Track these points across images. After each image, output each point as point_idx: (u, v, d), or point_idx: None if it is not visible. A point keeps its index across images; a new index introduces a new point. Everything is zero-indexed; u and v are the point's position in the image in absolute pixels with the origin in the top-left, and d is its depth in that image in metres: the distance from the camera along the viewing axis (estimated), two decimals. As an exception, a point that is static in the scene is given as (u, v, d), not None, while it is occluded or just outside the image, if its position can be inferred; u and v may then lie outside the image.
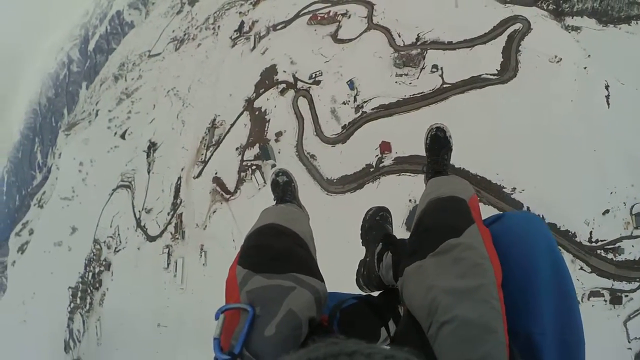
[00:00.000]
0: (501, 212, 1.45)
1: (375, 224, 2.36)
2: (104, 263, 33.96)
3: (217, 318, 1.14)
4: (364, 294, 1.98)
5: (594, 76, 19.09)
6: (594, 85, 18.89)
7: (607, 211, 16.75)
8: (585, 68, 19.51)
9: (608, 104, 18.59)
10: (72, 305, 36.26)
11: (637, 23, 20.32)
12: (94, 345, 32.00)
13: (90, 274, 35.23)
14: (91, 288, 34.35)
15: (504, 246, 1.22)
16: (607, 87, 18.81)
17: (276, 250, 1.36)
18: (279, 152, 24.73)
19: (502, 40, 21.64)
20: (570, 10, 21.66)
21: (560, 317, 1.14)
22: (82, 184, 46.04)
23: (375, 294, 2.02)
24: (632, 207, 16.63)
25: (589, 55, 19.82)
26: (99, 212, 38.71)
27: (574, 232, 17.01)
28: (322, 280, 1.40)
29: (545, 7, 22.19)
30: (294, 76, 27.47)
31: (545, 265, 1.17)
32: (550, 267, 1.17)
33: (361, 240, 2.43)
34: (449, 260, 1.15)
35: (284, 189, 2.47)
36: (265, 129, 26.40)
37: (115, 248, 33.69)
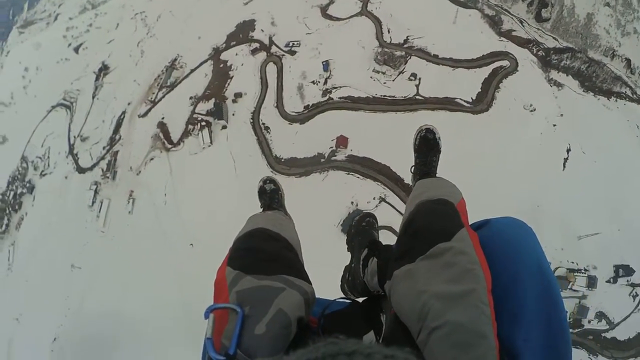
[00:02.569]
0: (487, 218, 1.42)
1: (362, 230, 2.36)
2: (27, 185, 31.28)
3: (206, 317, 1.14)
4: (348, 300, 1.84)
5: (559, 135, 19.50)
6: (556, 144, 19.30)
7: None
8: (554, 125, 19.89)
9: (564, 166, 19.11)
10: (-14, 223, 33.55)
11: (615, 100, 20.73)
12: (3, 269, 30.05)
13: (12, 193, 32.43)
14: (10, 209, 31.73)
15: (490, 251, 1.22)
16: (568, 150, 19.36)
17: (266, 253, 1.38)
18: (233, 114, 23.25)
19: (486, 71, 21.36)
20: (558, 63, 21.72)
21: (545, 324, 1.13)
22: (22, 92, 41.54)
23: (360, 300, 1.96)
24: (556, 269, 17.50)
25: (562, 115, 20.16)
26: (33, 127, 35.28)
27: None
28: (310, 283, 1.44)
29: (534, 52, 22.03)
30: (270, 39, 25.52)
31: (531, 271, 1.16)
32: (535, 273, 1.16)
33: (347, 246, 2.42)
34: (439, 265, 1.15)
35: (271, 197, 2.49)
36: (226, 85, 24.60)
37: (42, 171, 31.02)
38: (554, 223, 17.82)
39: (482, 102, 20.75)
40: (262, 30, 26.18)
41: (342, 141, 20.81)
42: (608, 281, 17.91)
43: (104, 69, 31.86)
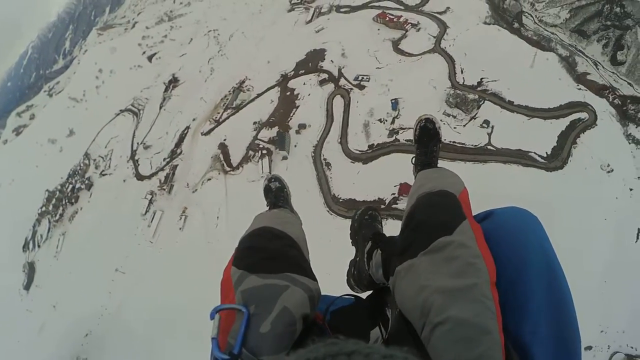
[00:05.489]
0: (491, 209, 1.35)
1: (365, 223, 2.34)
2: (86, 181, 32.80)
3: (212, 318, 1.16)
4: (353, 296, 1.74)
5: (635, 202, 17.18)
6: (632, 211, 16.94)
7: (589, 347, 15.32)
8: (631, 190, 17.60)
9: (638, 237, 16.66)
10: (43, 208, 35.45)
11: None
12: (50, 257, 31.36)
13: (71, 186, 34.17)
14: (66, 200, 33.35)
15: (495, 243, 1.20)
16: (645, 220, 16.88)
17: (270, 251, 1.40)
18: (295, 146, 22.86)
19: (563, 123, 19.52)
20: (635, 115, 19.59)
21: (553, 315, 1.10)
22: (94, 91, 44.59)
23: (365, 294, 1.97)
24: (613, 354, 15.34)
25: (639, 178, 17.76)
26: (100, 127, 37.30)
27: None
28: (315, 280, 1.44)
29: (610, 99, 20.07)
30: (340, 70, 25.21)
31: (537, 261, 1.14)
32: (542, 263, 1.14)
33: (351, 241, 2.41)
34: (441, 259, 1.14)
35: (277, 195, 2.49)
36: (291, 114, 24.41)
37: (102, 171, 32.46)
38: (620, 303, 15.48)
39: (558, 158, 18.87)
40: (332, 61, 25.99)
41: (405, 189, 19.57)
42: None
43: (173, 81, 33.22)
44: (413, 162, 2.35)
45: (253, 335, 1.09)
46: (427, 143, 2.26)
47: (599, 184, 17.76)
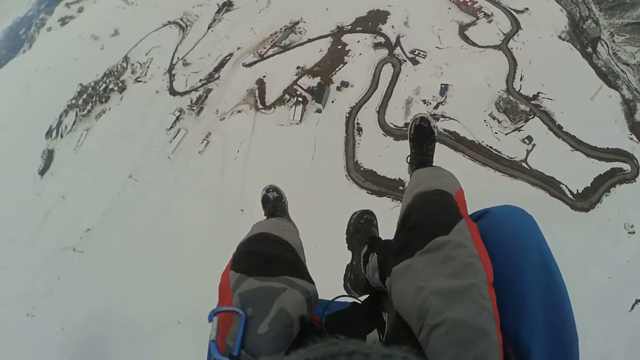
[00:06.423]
0: (486, 208, 1.35)
1: (360, 227, 2.37)
2: (119, 84, 32.95)
3: (210, 320, 1.17)
4: (349, 300, 1.78)
5: None
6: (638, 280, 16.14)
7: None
8: None
9: (632, 308, 15.96)
10: (73, 101, 36.00)
11: None
12: (70, 149, 32.24)
13: (104, 85, 34.39)
14: (97, 98, 33.76)
15: (491, 242, 1.18)
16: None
17: (268, 255, 1.41)
18: (332, 102, 22.27)
19: (603, 167, 18.45)
20: None
21: (550, 314, 1.10)
22: (146, -5, 43.61)
23: (362, 298, 1.90)
24: None
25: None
26: (145, 33, 36.87)
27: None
28: (313, 283, 1.46)
29: None
30: (398, 39, 23.94)
31: (533, 261, 1.13)
32: (538, 262, 1.13)
33: (347, 245, 2.41)
34: (438, 259, 1.13)
35: (275, 205, 2.55)
36: (336, 69, 23.59)
37: (138, 77, 32.44)
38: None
39: (586, 200, 17.88)
40: (393, 27, 24.67)
41: None
42: None
43: (227, 5, 32.15)
44: (408, 161, 2.36)
45: (251, 337, 1.11)
46: (422, 142, 2.27)
47: (616, 241, 16.90)
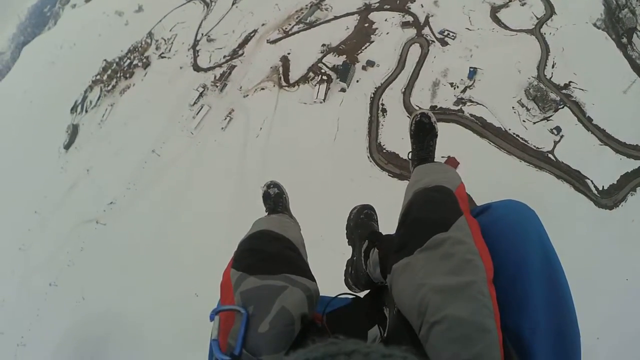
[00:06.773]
0: (488, 203, 1.33)
1: (360, 222, 2.34)
2: (144, 60, 33.26)
3: (212, 319, 1.17)
4: (350, 296, 1.75)
5: None
6: None
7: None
8: None
9: None
10: (98, 76, 36.62)
11: None
12: (95, 124, 32.92)
13: (128, 61, 34.81)
14: (121, 74, 34.22)
15: (492, 238, 1.18)
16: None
17: (269, 253, 1.41)
18: (357, 81, 21.91)
19: (631, 165, 17.66)
20: None
21: (553, 310, 1.09)
22: (172, -29, 43.45)
23: (363, 294, 1.96)
24: None
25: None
26: (170, 9, 36.93)
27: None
28: (314, 280, 1.43)
29: None
30: (427, 18, 23.23)
31: (536, 256, 1.12)
32: (540, 258, 1.12)
33: (347, 240, 2.39)
34: (437, 256, 1.13)
35: (276, 201, 2.52)
36: (363, 48, 23.14)
37: (162, 53, 32.65)
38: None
39: (611, 197, 17.19)
40: (422, 6, 23.91)
41: (451, 163, 18.61)
42: None
43: (252, -19, 31.73)
44: (409, 157, 2.32)
45: (252, 336, 1.10)
46: (422, 138, 2.23)
47: (637, 242, 16.18)
